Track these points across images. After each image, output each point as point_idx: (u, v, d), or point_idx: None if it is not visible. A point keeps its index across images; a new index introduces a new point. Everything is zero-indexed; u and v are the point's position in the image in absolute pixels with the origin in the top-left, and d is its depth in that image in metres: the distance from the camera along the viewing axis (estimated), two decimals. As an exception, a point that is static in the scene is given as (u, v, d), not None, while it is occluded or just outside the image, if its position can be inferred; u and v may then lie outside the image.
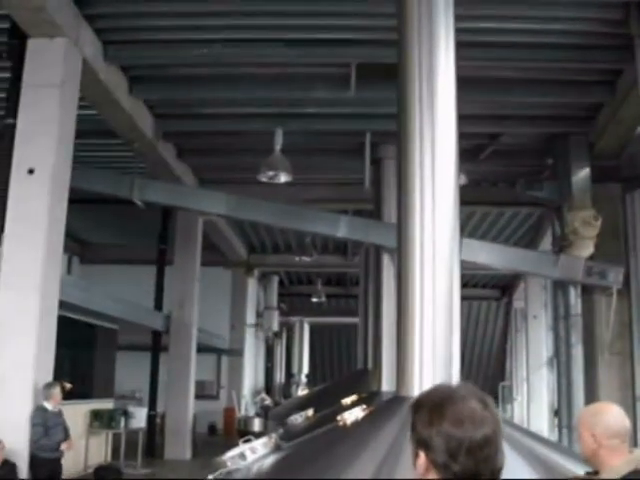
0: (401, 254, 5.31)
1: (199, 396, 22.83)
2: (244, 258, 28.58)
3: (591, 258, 14.16)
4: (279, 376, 38.32)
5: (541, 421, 23.77)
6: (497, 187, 19.08)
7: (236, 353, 29.16)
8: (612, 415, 3.70)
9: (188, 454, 19.51)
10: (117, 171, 16.95)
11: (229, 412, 27.61)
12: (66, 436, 10.59)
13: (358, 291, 21.38)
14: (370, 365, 16.78)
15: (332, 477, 4.16)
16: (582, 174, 14.52)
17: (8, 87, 11.13)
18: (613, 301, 13.92)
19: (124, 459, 16.66)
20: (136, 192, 15.06)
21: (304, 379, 36.96)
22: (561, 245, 14.66)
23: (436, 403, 2.13)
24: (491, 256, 15.13)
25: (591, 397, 13.63)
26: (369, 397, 10.55)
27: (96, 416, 16.12)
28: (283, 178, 14.38)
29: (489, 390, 27.01)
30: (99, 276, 24.55)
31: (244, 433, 18.97)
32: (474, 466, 2.04)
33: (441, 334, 4.97)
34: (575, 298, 14.66)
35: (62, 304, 11.24)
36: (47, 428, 10.09)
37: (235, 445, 5.82)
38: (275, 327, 34.19)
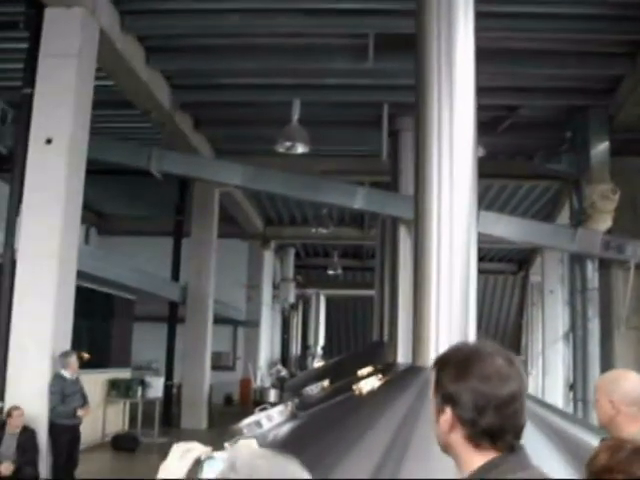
0: (418, 226, 5.29)
1: (215, 367, 22.96)
2: (260, 230, 28.60)
3: (609, 232, 14.10)
4: (295, 348, 38.49)
5: (556, 395, 23.75)
6: (515, 160, 18.95)
7: (252, 324, 29.28)
8: (631, 382, 3.66)
9: (204, 424, 19.66)
10: (134, 142, 16.97)
11: (245, 383, 27.78)
12: (84, 403, 10.72)
13: (374, 263, 21.39)
14: (386, 337, 16.80)
15: (347, 446, 4.17)
16: (601, 147, 14.41)
17: (25, 57, 11.15)
18: (630, 275, 13.87)
19: (141, 428, 16.81)
20: (154, 163, 15.08)
21: (320, 351, 37.09)
22: (579, 219, 14.60)
23: (463, 359, 2.13)
24: (508, 229, 15.07)
25: (607, 371, 13.60)
26: (385, 368, 10.57)
27: (113, 385, 16.26)
28: (300, 149, 14.33)
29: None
30: (116, 247, 24.63)
31: (260, 404, 19.09)
32: (500, 422, 2.05)
33: (458, 306, 4.97)
34: (592, 272, 14.60)
35: (80, 274, 11.30)
36: (65, 396, 10.22)
37: (250, 415, 5.85)
38: (291, 299, 34.29)
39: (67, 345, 10.59)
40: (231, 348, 30.34)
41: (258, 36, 13.22)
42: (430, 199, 5.19)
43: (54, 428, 10.16)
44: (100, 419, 15.53)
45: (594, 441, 3.89)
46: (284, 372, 29.92)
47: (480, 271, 5.33)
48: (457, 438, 2.09)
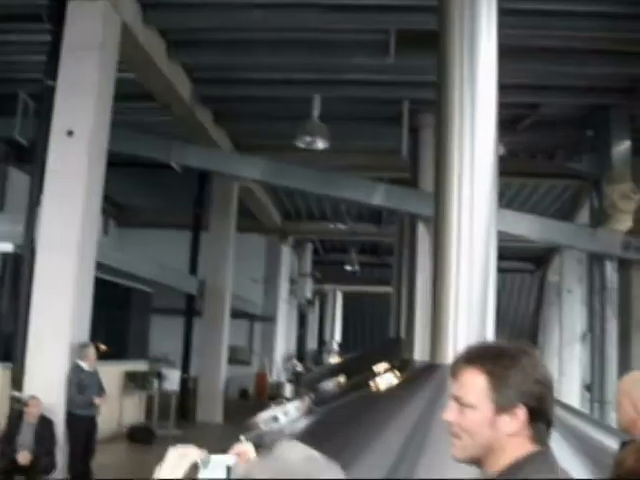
0: (438, 223, 5.28)
1: (231, 361, 23.01)
2: (279, 225, 28.62)
3: (629, 232, 14.01)
4: (311, 343, 38.52)
5: (572, 396, 23.64)
6: (535, 158, 18.85)
7: (269, 319, 29.31)
8: None
9: (220, 417, 19.72)
10: (155, 135, 17.02)
11: (261, 377, 27.84)
12: (101, 394, 10.78)
13: (392, 260, 21.37)
14: (402, 334, 16.80)
15: (365, 442, 4.17)
16: (622, 147, 14.33)
17: (48, 49, 11.20)
18: (650, 276, 13.79)
19: (157, 420, 16.88)
20: (174, 156, 15.16)
21: (336, 347, 37.15)
22: (599, 218, 14.52)
23: (515, 354, 2.08)
24: (527, 227, 15.03)
25: (625, 372, 13.53)
26: (401, 365, 10.58)
27: (130, 377, 16.31)
28: (320, 144, 14.33)
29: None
30: (135, 239, 24.74)
31: (275, 398, 19.15)
32: (552, 412, 2.06)
33: (476, 304, 4.96)
34: (611, 272, 14.52)
35: (98, 266, 11.36)
36: (82, 387, 10.28)
37: (266, 409, 5.85)
38: (308, 294, 34.32)
39: (85, 336, 10.65)
40: (247, 342, 30.40)
41: (280, 31, 13.22)
42: (450, 196, 5.17)
43: (71, 418, 10.23)
44: (117, 411, 15.59)
45: (614, 444, 3.86)
46: (300, 367, 30.00)
47: (497, 269, 5.30)
48: (513, 435, 2.03)
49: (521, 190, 21.42)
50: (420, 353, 12.93)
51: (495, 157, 5.30)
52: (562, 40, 12.73)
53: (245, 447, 2.11)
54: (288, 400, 6.57)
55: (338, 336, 38.84)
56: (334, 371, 15.67)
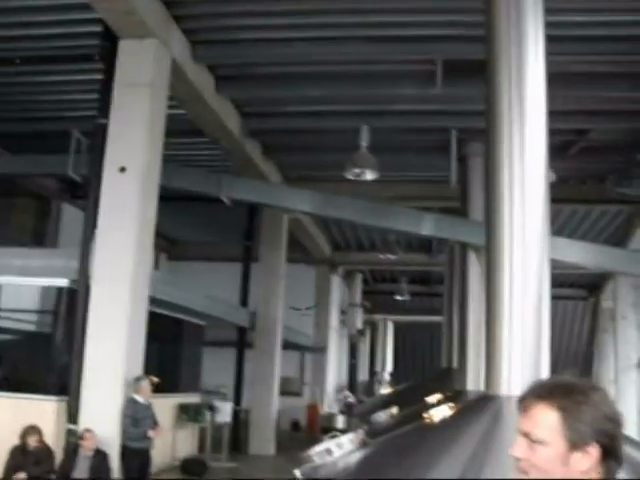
0: (490, 252, 5.26)
1: (283, 392, 22.97)
2: (328, 255, 28.63)
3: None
4: (362, 374, 38.31)
5: (629, 424, 23.20)
6: (586, 184, 18.69)
7: (320, 350, 29.25)
8: None
9: (272, 449, 19.68)
10: (204, 169, 17.25)
11: (312, 409, 27.73)
12: (155, 427, 10.86)
13: (442, 289, 21.24)
14: (454, 364, 16.65)
15: (421, 474, 4.15)
16: (674, 171, 14.14)
17: (100, 88, 11.46)
18: None
19: (210, 452, 16.91)
20: (224, 190, 15.30)
21: (387, 377, 36.89)
22: (653, 244, 14.32)
23: (587, 390, 2.05)
24: (580, 255, 14.87)
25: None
26: (454, 396, 10.48)
27: (183, 410, 16.39)
28: (369, 175, 14.33)
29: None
30: (185, 273, 24.93)
31: (327, 430, 19.09)
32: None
33: (531, 333, 4.91)
34: (667, 298, 14.29)
35: (151, 299, 11.48)
36: (137, 420, 10.36)
37: (318, 442, 5.84)
38: (359, 325, 34.16)
39: (139, 370, 10.75)
40: (298, 374, 30.34)
41: (326, 64, 13.36)
42: (502, 225, 5.15)
43: (126, 451, 10.31)
44: (170, 443, 15.67)
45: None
46: (351, 398, 29.81)
47: (550, 297, 5.25)
48: (584, 473, 1.99)
49: (572, 216, 21.21)
50: (473, 383, 12.81)
51: (546, 184, 5.27)
52: (608, 65, 12.66)
53: None
54: (341, 432, 6.55)
55: (389, 366, 38.59)
56: (386, 402, 15.55)
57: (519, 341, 4.89)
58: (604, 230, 22.61)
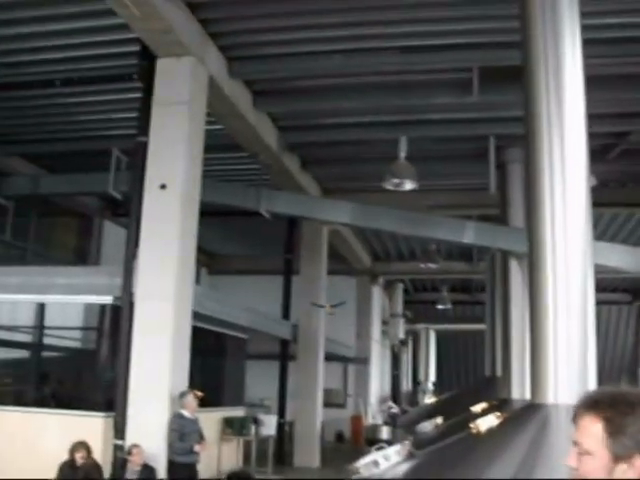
0: (532, 259, 5.23)
1: (326, 404, 22.95)
2: (368, 266, 28.63)
3: None
4: (406, 384, 38.17)
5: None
6: (626, 187, 18.48)
7: (362, 361, 29.19)
8: None
9: (317, 462, 19.67)
10: (243, 183, 17.35)
11: (356, 420, 27.66)
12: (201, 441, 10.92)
13: (484, 297, 21.11)
14: (498, 372, 16.52)
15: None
16: None
17: (139, 106, 11.59)
18: None
19: (255, 465, 16.94)
20: (263, 204, 15.38)
21: (431, 387, 36.70)
22: (698, 246, 14.11)
23: (635, 401, 2.04)
24: (623, 259, 14.70)
25: None
26: (500, 405, 10.40)
27: (228, 423, 16.44)
28: (408, 185, 14.29)
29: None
30: (226, 286, 25.06)
31: (372, 441, 19.02)
32: None
33: (576, 340, 4.88)
34: None
35: (194, 314, 11.55)
36: (183, 434, 10.42)
37: (363, 453, 5.84)
38: (401, 335, 34.08)
39: (184, 384, 10.82)
40: (342, 385, 30.30)
41: (361, 75, 13.37)
42: (544, 231, 5.12)
43: (173, 466, 10.37)
44: (215, 457, 15.72)
45: None
46: (395, 408, 29.70)
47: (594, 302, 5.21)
48: None
49: (613, 220, 20.99)
50: (518, 391, 12.70)
51: (588, 188, 5.24)
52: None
53: None
54: (387, 443, 6.54)
55: (432, 376, 38.40)
56: (431, 412, 15.50)
57: (564, 348, 4.86)
58: (647, 233, 22.36)
